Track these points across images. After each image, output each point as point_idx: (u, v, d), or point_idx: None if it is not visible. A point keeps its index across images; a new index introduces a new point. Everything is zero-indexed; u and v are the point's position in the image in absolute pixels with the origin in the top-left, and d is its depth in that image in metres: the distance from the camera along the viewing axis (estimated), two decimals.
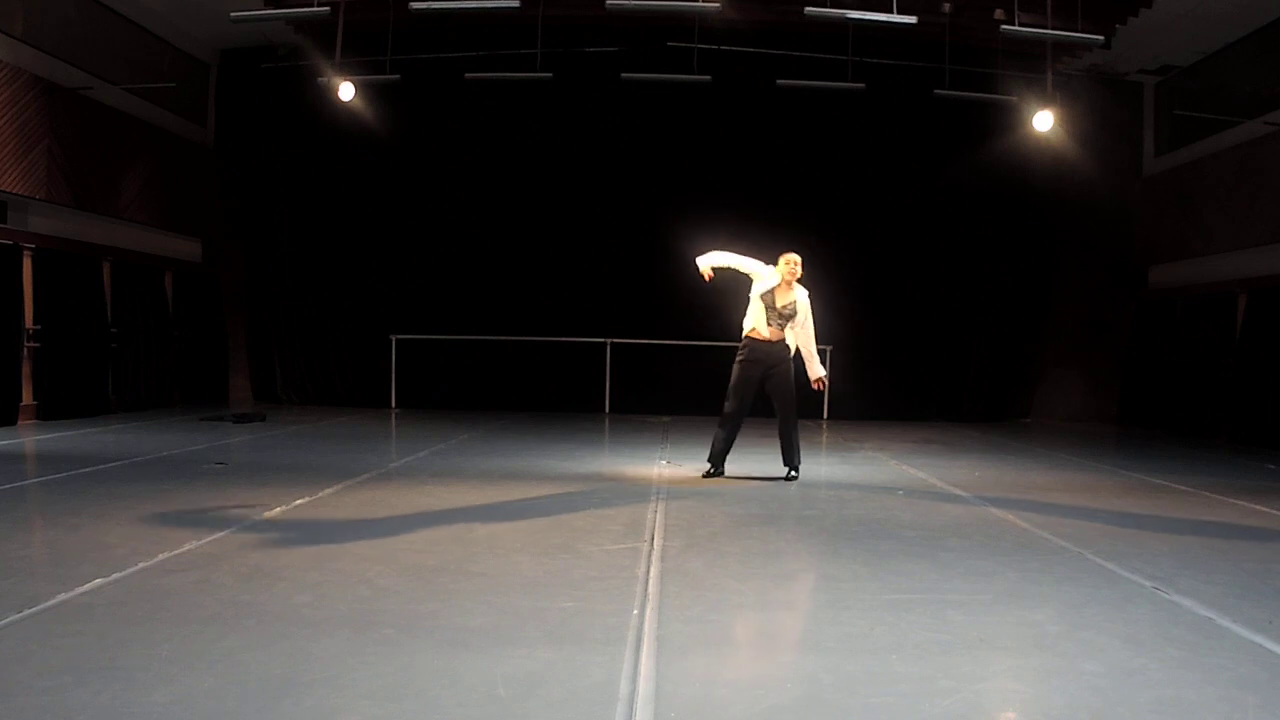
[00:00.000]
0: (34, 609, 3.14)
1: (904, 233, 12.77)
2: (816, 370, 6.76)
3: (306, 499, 5.38)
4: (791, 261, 6.48)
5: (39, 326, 9.65)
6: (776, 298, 6.52)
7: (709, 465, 6.88)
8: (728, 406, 6.72)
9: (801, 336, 6.64)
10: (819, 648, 2.98)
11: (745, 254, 6.70)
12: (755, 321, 6.59)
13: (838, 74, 10.60)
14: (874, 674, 2.74)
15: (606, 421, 11.84)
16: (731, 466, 6.97)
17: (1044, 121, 10.19)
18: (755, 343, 6.61)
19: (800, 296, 6.57)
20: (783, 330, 6.58)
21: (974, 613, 3.38)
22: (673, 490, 6.13)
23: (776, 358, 6.61)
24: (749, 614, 3.34)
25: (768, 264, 6.60)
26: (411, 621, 3.14)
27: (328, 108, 10.74)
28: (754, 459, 7.63)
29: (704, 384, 11.19)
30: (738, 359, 6.71)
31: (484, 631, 3.06)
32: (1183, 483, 6.96)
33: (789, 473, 6.80)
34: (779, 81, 10.66)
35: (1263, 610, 3.47)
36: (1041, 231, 12.92)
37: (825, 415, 12.71)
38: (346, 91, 9.97)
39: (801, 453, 6.91)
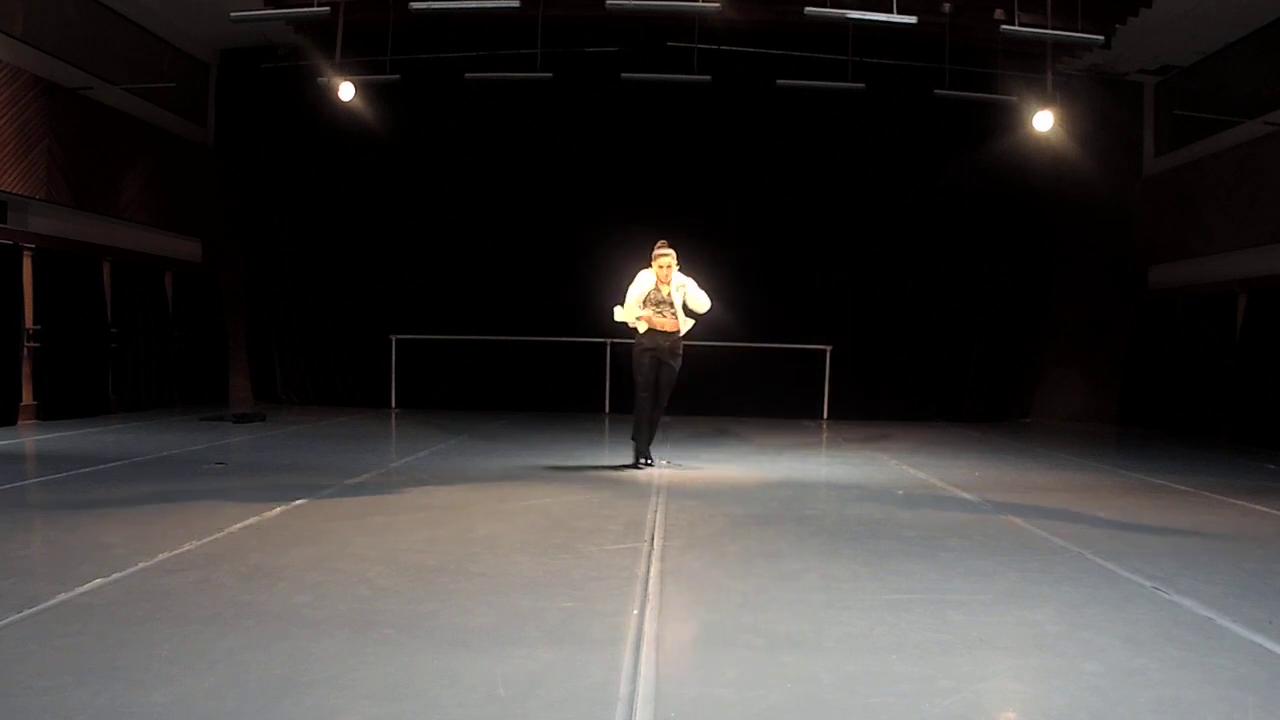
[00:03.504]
0: (34, 609, 3.14)
1: (904, 233, 12.76)
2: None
3: (306, 499, 5.38)
4: (663, 265, 6.90)
5: (39, 326, 9.65)
6: (660, 292, 6.95)
7: (640, 458, 7.18)
8: (644, 397, 7.10)
9: (695, 303, 7.03)
10: (819, 648, 2.98)
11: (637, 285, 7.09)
12: (651, 318, 7.00)
13: (838, 74, 10.60)
14: (874, 674, 2.74)
15: (606, 421, 11.84)
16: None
17: (1044, 121, 10.18)
18: (654, 333, 7.00)
19: (678, 281, 6.98)
20: (676, 317, 6.98)
21: (974, 613, 3.38)
22: (673, 490, 6.13)
23: (670, 350, 7.04)
24: (749, 614, 3.34)
25: (643, 270, 7.07)
26: (411, 621, 3.14)
27: (328, 108, 10.73)
28: (754, 458, 7.62)
29: (704, 384, 11.21)
30: (639, 351, 7.09)
31: (484, 631, 3.06)
32: (1183, 483, 6.96)
33: (644, 459, 7.14)
34: (779, 81, 10.66)
35: (1263, 610, 3.47)
36: (1041, 231, 12.92)
37: (825, 415, 12.71)
38: (346, 91, 9.97)
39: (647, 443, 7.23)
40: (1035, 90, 10.45)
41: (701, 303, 7.06)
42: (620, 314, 7.09)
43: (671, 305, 6.97)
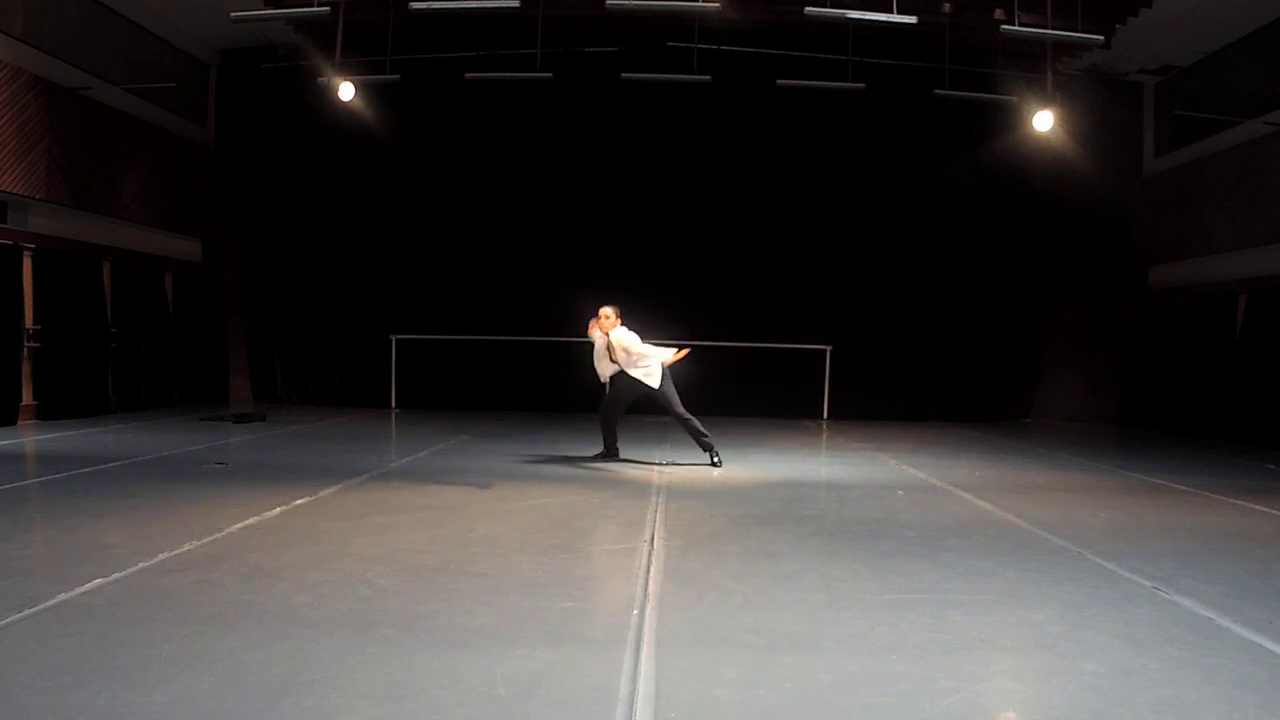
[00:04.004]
0: (34, 609, 3.14)
1: (904, 233, 12.77)
2: (668, 355, 7.56)
3: (307, 499, 5.38)
4: (601, 319, 7.47)
5: (39, 326, 9.65)
6: (614, 355, 7.47)
7: (602, 450, 7.80)
8: (604, 407, 7.88)
9: (642, 360, 7.44)
10: (819, 648, 2.98)
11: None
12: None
13: (838, 74, 10.60)
14: (874, 674, 2.74)
15: None
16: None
17: (1044, 121, 10.18)
18: (621, 374, 7.60)
19: (616, 343, 7.42)
20: (636, 366, 7.46)
21: (974, 613, 3.38)
22: (673, 490, 6.13)
23: (635, 385, 7.50)
24: (749, 614, 3.34)
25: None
26: (411, 621, 3.14)
27: (328, 108, 10.73)
28: (754, 457, 7.62)
29: (704, 384, 11.20)
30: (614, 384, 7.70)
31: (484, 631, 3.06)
32: (1183, 483, 6.96)
33: (713, 460, 7.45)
34: (779, 81, 10.65)
35: (1263, 610, 3.48)
36: (1041, 231, 12.92)
37: (825, 415, 12.71)
38: (346, 91, 9.96)
39: (708, 438, 7.54)
40: (1035, 90, 10.45)
41: (643, 354, 7.43)
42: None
43: (629, 362, 7.42)
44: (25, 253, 9.53)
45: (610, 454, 7.77)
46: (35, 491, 5.62)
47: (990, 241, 12.81)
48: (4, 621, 3.00)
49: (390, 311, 12.87)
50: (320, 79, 10.04)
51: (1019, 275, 12.95)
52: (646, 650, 2.88)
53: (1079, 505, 5.86)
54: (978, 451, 9.00)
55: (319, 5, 8.60)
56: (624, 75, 10.68)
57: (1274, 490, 6.71)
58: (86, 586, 3.43)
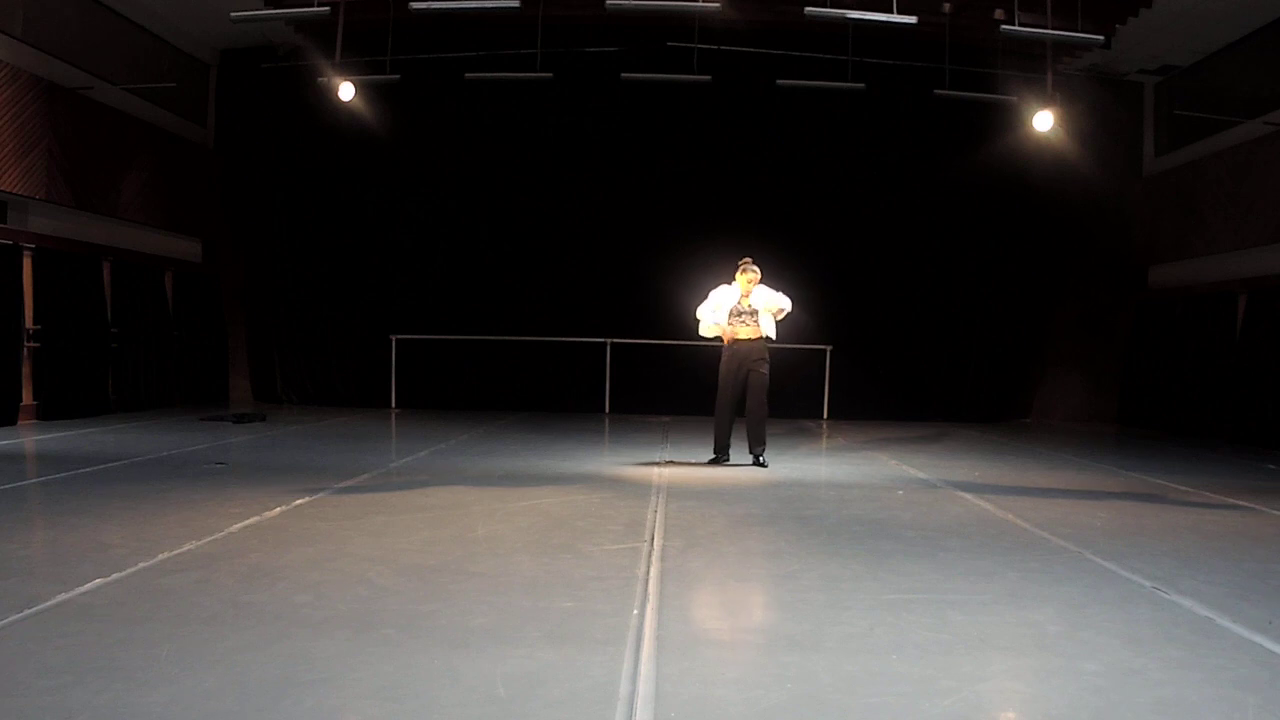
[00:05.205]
0: (34, 609, 3.14)
1: (904, 232, 12.77)
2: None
3: (306, 499, 5.38)
4: (751, 280, 7.35)
5: (39, 326, 9.65)
6: (742, 304, 7.40)
7: (715, 454, 7.59)
8: (721, 400, 7.56)
9: (774, 305, 7.43)
10: (819, 648, 2.97)
11: (710, 289, 7.58)
12: (736, 330, 7.40)
13: (838, 74, 10.60)
14: (874, 674, 2.74)
15: (606, 421, 11.84)
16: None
17: (1044, 121, 10.18)
18: (736, 342, 7.42)
19: (757, 297, 7.37)
20: (757, 325, 7.36)
21: (974, 613, 3.38)
22: (673, 490, 6.13)
23: (754, 356, 7.39)
24: (749, 614, 3.34)
25: (724, 284, 7.50)
26: (411, 621, 3.14)
27: (328, 108, 10.73)
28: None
29: (704, 384, 11.21)
30: (725, 359, 7.53)
31: (484, 631, 3.05)
32: (1183, 483, 6.96)
33: (757, 459, 7.44)
34: (779, 81, 10.66)
35: (1263, 610, 3.47)
36: (1042, 231, 12.92)
37: (825, 415, 12.71)
38: (346, 91, 9.97)
39: (767, 443, 7.59)
40: (1035, 90, 10.44)
41: (779, 302, 7.41)
42: (704, 330, 7.50)
43: (754, 314, 7.36)
44: (25, 253, 9.53)
45: (724, 457, 7.59)
46: (35, 491, 5.62)
47: (990, 241, 12.81)
48: (4, 621, 3.00)
49: (390, 311, 12.88)
50: (320, 79, 10.04)
51: (1019, 275, 12.95)
52: (646, 650, 2.88)
53: (1079, 505, 5.86)
54: (978, 451, 9.00)
55: (319, 5, 8.60)
56: (624, 75, 10.68)
57: (1274, 490, 6.71)
58: (86, 586, 3.43)
